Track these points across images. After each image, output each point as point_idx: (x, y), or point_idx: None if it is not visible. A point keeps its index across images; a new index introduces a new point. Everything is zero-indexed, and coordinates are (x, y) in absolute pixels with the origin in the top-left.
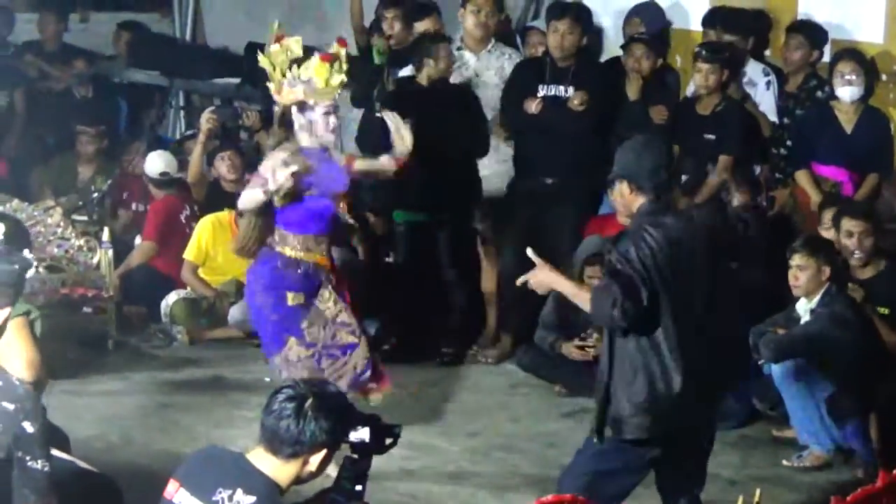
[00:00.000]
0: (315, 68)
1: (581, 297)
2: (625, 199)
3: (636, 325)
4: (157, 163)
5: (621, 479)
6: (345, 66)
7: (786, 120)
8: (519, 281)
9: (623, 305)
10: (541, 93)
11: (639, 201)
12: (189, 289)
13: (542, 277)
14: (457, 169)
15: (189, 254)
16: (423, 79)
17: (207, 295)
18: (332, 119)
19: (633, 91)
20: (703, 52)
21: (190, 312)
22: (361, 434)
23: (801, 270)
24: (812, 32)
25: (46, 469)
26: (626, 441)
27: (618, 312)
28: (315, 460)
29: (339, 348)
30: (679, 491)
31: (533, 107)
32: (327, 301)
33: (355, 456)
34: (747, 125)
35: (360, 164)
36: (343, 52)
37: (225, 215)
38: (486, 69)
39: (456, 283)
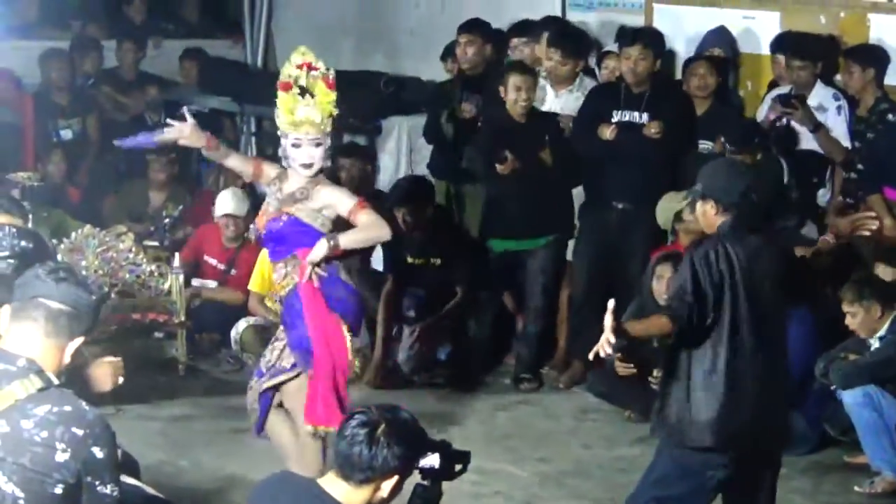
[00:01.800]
0: (279, 97)
1: (654, 325)
2: (707, 218)
3: (700, 336)
4: (227, 202)
5: None
6: (317, 97)
7: (857, 144)
8: (591, 355)
9: (696, 318)
10: (615, 118)
11: (720, 220)
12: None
13: (609, 334)
14: (552, 197)
15: (254, 285)
16: (513, 111)
17: (276, 322)
18: (307, 152)
19: (698, 110)
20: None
21: (259, 339)
22: (432, 460)
23: (851, 316)
24: (861, 54)
25: (116, 494)
26: (687, 456)
27: (684, 310)
28: (387, 486)
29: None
30: None
31: (608, 133)
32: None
33: (426, 482)
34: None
35: (349, 240)
36: (310, 77)
37: None
38: (562, 110)
39: (541, 310)
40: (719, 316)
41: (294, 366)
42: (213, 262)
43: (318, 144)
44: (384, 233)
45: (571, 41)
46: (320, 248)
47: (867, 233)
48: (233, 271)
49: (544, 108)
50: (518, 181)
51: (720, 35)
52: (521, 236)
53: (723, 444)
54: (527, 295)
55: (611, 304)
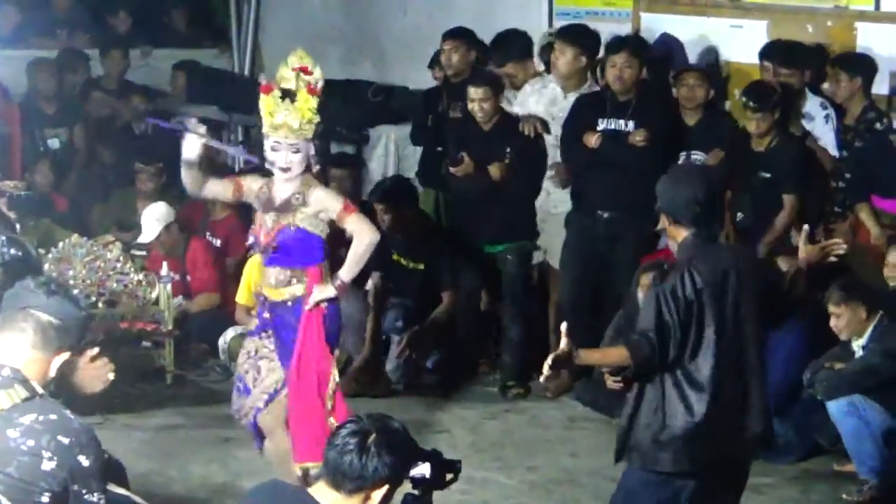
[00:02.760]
0: (261, 99)
1: (612, 356)
2: (669, 233)
3: (663, 368)
4: (152, 227)
5: None
6: (297, 102)
7: (845, 153)
8: (542, 379)
9: (658, 357)
10: (601, 126)
11: (682, 234)
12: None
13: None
14: (515, 203)
15: (240, 297)
16: (475, 115)
17: None
18: (285, 156)
19: (689, 121)
20: (749, 102)
21: None
22: (422, 469)
23: (836, 318)
24: (849, 62)
25: (102, 502)
26: (653, 474)
27: (655, 361)
28: (377, 496)
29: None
30: None
31: (593, 141)
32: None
33: (416, 492)
34: (804, 160)
35: (350, 272)
36: (299, 81)
37: None
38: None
39: (516, 315)
40: (685, 344)
41: (284, 385)
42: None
43: (296, 151)
44: (374, 237)
45: (582, 35)
46: (327, 291)
47: (835, 259)
48: (188, 277)
49: (552, 111)
50: (476, 188)
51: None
52: (483, 241)
53: (694, 466)
54: (504, 301)
55: (563, 326)
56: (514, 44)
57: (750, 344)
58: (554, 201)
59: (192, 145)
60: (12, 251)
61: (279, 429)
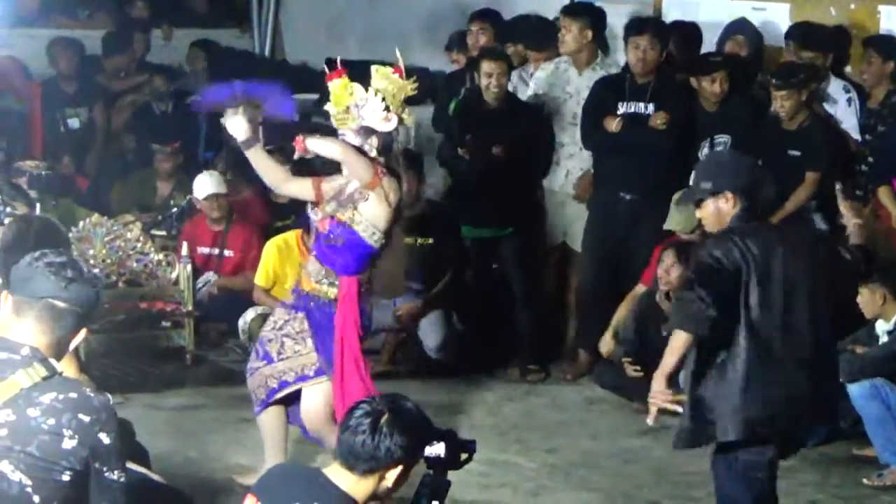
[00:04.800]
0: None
1: (675, 349)
2: (721, 215)
3: (721, 332)
4: (207, 184)
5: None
6: (333, 90)
7: (867, 136)
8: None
9: (708, 314)
10: (620, 110)
11: (733, 213)
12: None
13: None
14: (520, 185)
15: (259, 279)
16: (486, 96)
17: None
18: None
19: (710, 107)
20: (775, 81)
21: None
22: (436, 449)
23: (862, 296)
24: (884, 45)
25: (123, 480)
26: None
27: (704, 323)
28: (391, 476)
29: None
30: None
31: (613, 125)
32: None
33: (432, 472)
34: (834, 142)
35: None
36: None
37: (291, 235)
38: (586, 87)
39: (524, 298)
40: (737, 311)
41: (318, 373)
42: (205, 250)
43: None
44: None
45: (585, 10)
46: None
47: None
48: (225, 252)
49: (569, 90)
50: (482, 169)
51: (744, 26)
52: (489, 224)
53: (748, 435)
54: (511, 284)
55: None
56: (532, 27)
57: (807, 325)
58: (572, 181)
59: (236, 124)
60: (8, 209)
61: (327, 428)
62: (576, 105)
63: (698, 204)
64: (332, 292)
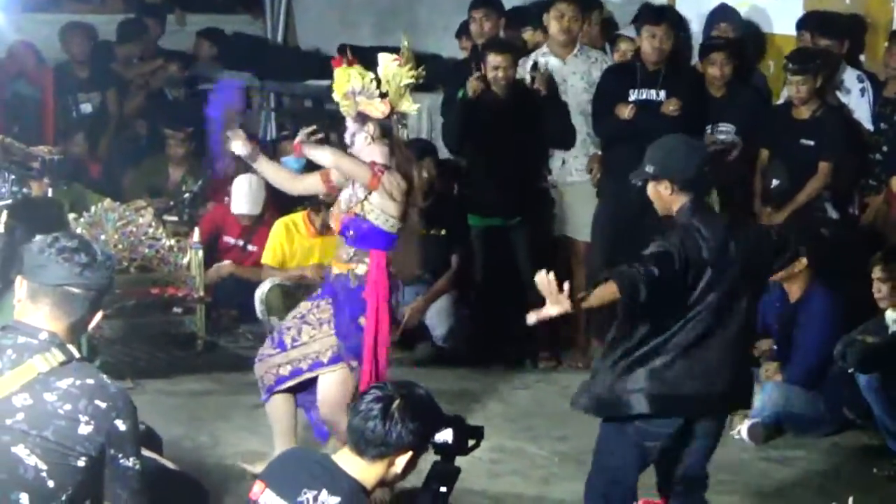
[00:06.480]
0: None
1: (604, 293)
2: (662, 199)
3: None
4: (242, 203)
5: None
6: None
7: (883, 125)
8: (530, 320)
9: (642, 286)
10: (632, 97)
11: (680, 201)
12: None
13: (555, 308)
14: (527, 173)
15: (267, 258)
16: (495, 87)
17: (298, 277)
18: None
19: (715, 93)
20: (791, 65)
21: (285, 300)
22: (444, 435)
23: (882, 282)
24: None
25: (138, 467)
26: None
27: (635, 290)
28: (401, 462)
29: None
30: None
31: (626, 112)
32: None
33: (441, 458)
34: (848, 131)
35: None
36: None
37: (298, 216)
38: (572, 74)
39: (534, 286)
40: (678, 302)
41: (333, 360)
42: (230, 240)
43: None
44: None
45: None
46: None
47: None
48: (250, 247)
49: (557, 79)
50: (491, 157)
51: (728, 12)
52: (497, 213)
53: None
54: (521, 273)
55: (566, 285)
56: (533, 12)
57: (739, 316)
58: (570, 170)
59: (237, 143)
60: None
61: (343, 415)
62: (565, 94)
63: (644, 185)
64: (362, 269)
